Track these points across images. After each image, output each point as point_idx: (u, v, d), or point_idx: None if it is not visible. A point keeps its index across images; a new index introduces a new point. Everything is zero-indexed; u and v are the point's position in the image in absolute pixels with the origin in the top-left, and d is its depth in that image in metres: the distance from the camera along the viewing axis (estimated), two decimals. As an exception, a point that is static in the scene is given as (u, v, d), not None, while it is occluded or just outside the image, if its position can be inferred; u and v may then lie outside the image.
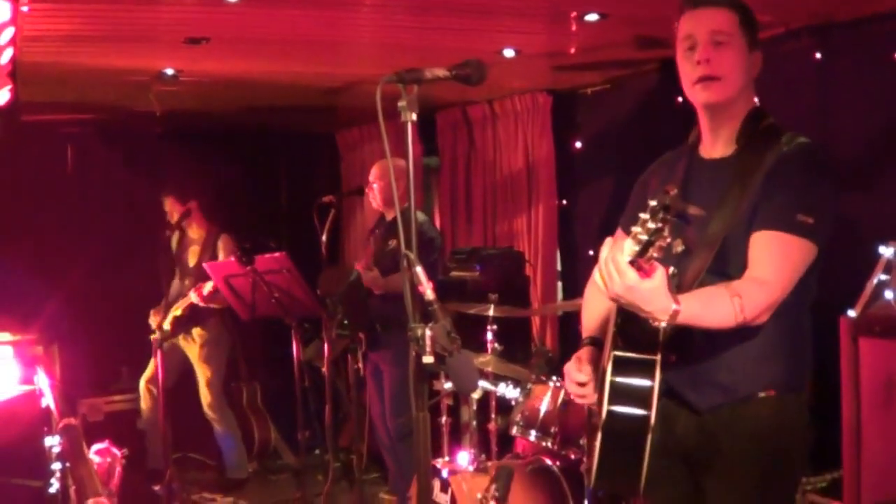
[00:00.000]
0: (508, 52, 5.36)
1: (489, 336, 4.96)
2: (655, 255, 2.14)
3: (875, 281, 3.34)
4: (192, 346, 6.55)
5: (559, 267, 6.78)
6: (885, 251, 3.37)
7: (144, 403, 6.69)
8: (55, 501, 3.48)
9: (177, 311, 6.33)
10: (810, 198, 2.44)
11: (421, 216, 5.95)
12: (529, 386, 4.71)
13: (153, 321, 6.48)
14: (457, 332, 2.12)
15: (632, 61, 5.73)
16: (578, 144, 6.67)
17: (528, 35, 5.13)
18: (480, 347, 5.05)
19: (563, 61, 5.74)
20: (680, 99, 3.03)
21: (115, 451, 4.63)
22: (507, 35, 5.10)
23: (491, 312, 4.98)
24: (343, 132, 8.60)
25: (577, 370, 2.72)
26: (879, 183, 4.42)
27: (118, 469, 4.58)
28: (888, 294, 3.28)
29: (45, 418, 4.05)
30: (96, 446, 4.62)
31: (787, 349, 2.57)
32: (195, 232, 6.54)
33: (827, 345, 3.54)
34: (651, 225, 2.08)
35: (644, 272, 2.19)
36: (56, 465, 3.54)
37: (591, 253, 6.15)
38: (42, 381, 4.32)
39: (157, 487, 5.69)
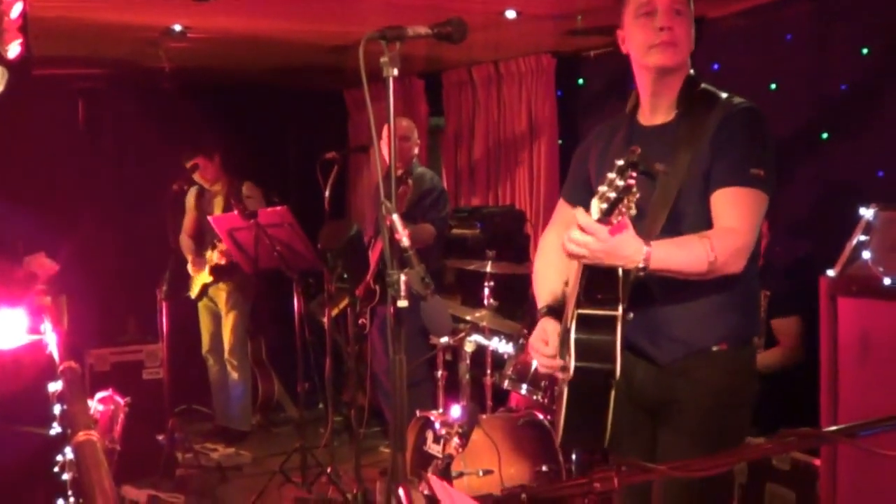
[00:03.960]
0: (510, 14, 5.40)
1: (486, 291, 5.06)
2: (625, 210, 2.26)
3: (854, 242, 3.39)
4: (220, 293, 6.70)
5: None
6: (866, 213, 3.42)
7: (211, 372, 6.89)
8: (56, 443, 3.56)
9: (211, 263, 6.44)
10: (758, 153, 2.61)
11: (429, 172, 6.03)
12: (522, 341, 4.80)
13: (191, 271, 6.62)
14: (431, 279, 2.20)
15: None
16: (582, 106, 6.71)
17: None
18: (479, 303, 5.14)
19: (566, 24, 5.77)
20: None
21: (119, 398, 4.72)
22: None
23: (488, 269, 5.08)
24: (351, 90, 8.66)
25: (545, 343, 2.80)
26: (865, 146, 4.49)
27: (121, 417, 4.67)
28: (866, 254, 3.33)
29: (50, 366, 4.13)
30: (100, 394, 4.72)
31: (736, 303, 2.70)
32: (216, 185, 6.63)
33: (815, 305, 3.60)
34: (619, 183, 2.20)
35: (615, 227, 2.30)
36: (57, 408, 3.63)
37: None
38: (47, 329, 4.41)
39: (160, 437, 5.81)
